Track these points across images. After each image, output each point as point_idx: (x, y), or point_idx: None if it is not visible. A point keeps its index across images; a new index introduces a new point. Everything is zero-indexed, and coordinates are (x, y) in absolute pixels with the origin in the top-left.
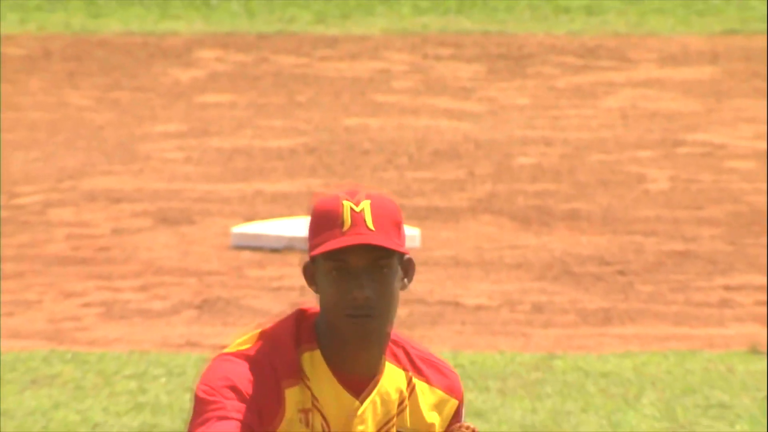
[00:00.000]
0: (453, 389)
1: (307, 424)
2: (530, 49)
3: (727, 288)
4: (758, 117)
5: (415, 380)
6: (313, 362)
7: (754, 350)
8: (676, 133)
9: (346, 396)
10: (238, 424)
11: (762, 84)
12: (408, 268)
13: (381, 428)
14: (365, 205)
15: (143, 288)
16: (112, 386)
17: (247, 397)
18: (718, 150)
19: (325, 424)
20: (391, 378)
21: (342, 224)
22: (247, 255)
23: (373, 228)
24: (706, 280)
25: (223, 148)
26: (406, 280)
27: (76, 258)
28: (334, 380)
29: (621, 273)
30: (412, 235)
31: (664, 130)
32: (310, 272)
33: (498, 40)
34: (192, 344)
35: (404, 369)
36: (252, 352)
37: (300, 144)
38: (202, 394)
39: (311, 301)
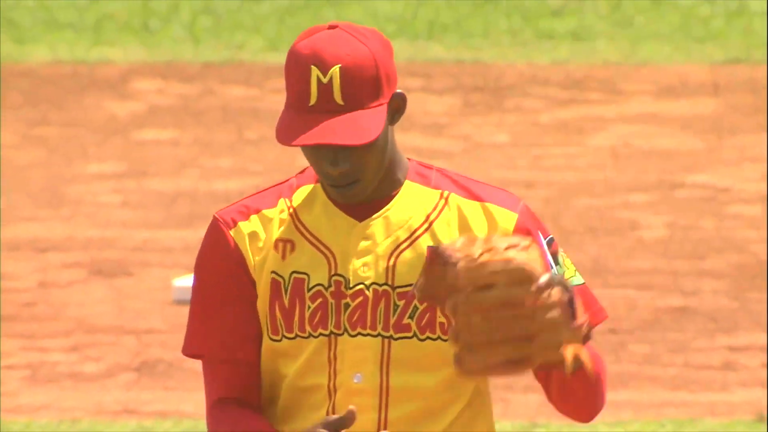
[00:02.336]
0: (506, 201)
1: (283, 256)
2: (509, 80)
3: (730, 348)
4: (765, 156)
5: (450, 195)
6: (308, 195)
7: (760, 418)
8: (674, 175)
9: (343, 218)
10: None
11: None
12: (398, 104)
13: (400, 245)
14: (334, 73)
15: (74, 348)
16: None
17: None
18: (721, 193)
19: (317, 248)
20: (413, 195)
21: (308, 98)
22: None
23: (342, 102)
24: (707, 339)
25: (165, 190)
26: (397, 116)
27: None
28: (331, 206)
29: (612, 331)
30: None
31: (660, 171)
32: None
33: (473, 70)
34: (129, 411)
35: (436, 188)
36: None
37: (251, 186)
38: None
39: None
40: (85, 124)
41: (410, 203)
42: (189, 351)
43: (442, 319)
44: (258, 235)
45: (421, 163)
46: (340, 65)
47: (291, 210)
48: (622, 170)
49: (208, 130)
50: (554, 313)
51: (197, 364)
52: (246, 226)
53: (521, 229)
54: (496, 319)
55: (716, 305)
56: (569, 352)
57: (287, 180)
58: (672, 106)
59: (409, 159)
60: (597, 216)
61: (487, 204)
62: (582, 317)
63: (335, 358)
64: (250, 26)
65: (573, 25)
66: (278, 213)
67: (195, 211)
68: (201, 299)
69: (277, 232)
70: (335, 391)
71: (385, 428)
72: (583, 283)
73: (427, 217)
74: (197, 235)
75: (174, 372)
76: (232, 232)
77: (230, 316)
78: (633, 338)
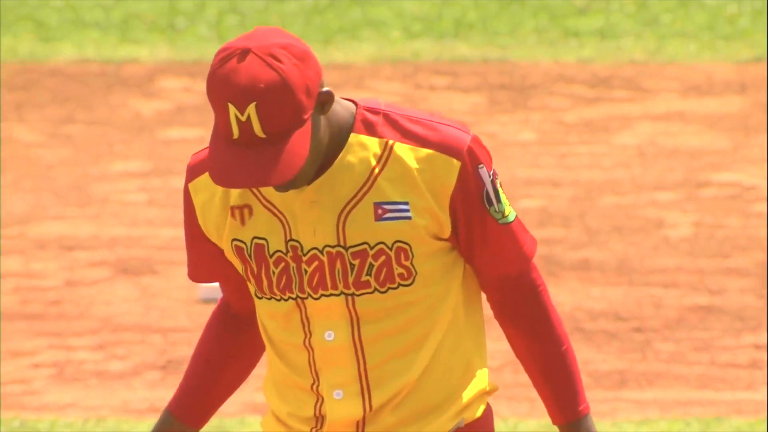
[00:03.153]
0: (448, 145)
1: (242, 222)
2: (535, 79)
3: (757, 347)
4: None
5: (395, 144)
6: None
7: None
8: (700, 173)
9: None
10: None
11: None
12: (323, 100)
13: (347, 205)
14: (251, 112)
15: (100, 346)
16: None
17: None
18: (748, 192)
19: (272, 212)
20: (358, 149)
21: (231, 133)
22: None
23: (264, 135)
24: (733, 337)
25: None
26: (326, 107)
27: (24, 313)
28: None
29: (638, 330)
30: None
31: (686, 170)
32: None
33: (499, 69)
34: (155, 410)
35: (380, 136)
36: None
37: None
38: None
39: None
40: (111, 122)
41: (355, 157)
42: (192, 278)
43: (401, 270)
44: (208, 194)
45: (369, 108)
46: (255, 102)
47: None
48: (648, 169)
49: None
50: None
51: None
52: (200, 184)
53: (464, 176)
54: None
55: (742, 304)
56: None
57: None
58: (698, 104)
59: (356, 104)
60: (623, 215)
61: (432, 152)
62: None
63: (308, 320)
64: (276, 25)
65: (599, 24)
66: None
67: None
68: (186, 235)
69: (232, 196)
70: (312, 349)
71: (366, 379)
72: (515, 219)
73: (371, 171)
74: None
75: None
76: (190, 186)
77: (210, 252)
78: (659, 337)
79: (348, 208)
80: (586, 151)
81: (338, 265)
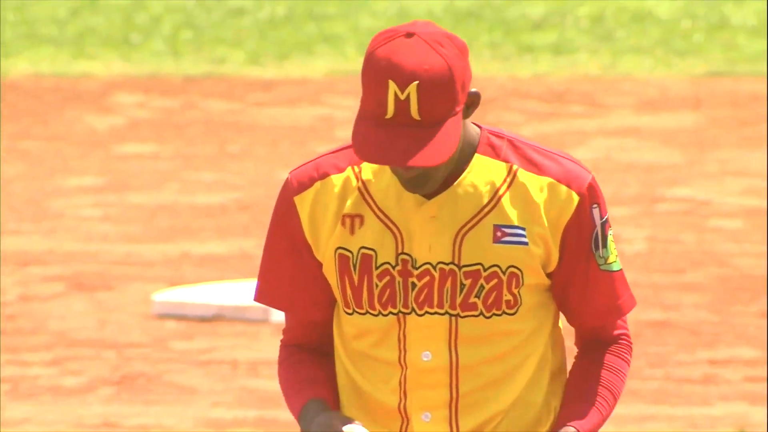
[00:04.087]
0: (571, 178)
1: (351, 231)
2: (491, 93)
3: (712, 362)
4: (746, 169)
5: (518, 170)
6: (378, 167)
7: None
8: (655, 188)
9: (411, 195)
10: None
11: (751, 132)
12: (472, 101)
13: (467, 223)
14: (411, 90)
15: (55, 362)
16: None
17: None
18: (702, 207)
19: (385, 224)
20: (482, 170)
21: (385, 111)
22: (171, 325)
23: (419, 117)
24: (688, 353)
25: (146, 204)
26: (470, 110)
27: None
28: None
29: None
30: None
31: (641, 185)
32: None
33: None
34: (110, 425)
35: (505, 161)
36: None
37: (232, 200)
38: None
39: None
40: (66, 137)
41: (479, 178)
42: (259, 298)
43: (509, 297)
44: (319, 206)
45: (494, 132)
46: (417, 82)
47: (359, 179)
48: (603, 184)
49: (190, 143)
50: None
51: (178, 378)
52: (309, 196)
53: (577, 214)
54: None
55: (697, 319)
56: None
57: None
58: (653, 119)
59: (480, 127)
60: None
61: (553, 182)
62: None
63: (404, 337)
64: (232, 40)
65: (554, 39)
66: (344, 180)
67: (176, 225)
68: (269, 253)
69: (344, 204)
70: (406, 367)
71: (456, 404)
72: (619, 270)
73: (495, 192)
74: (178, 249)
75: (154, 386)
76: (296, 199)
77: (292, 273)
78: None
79: (468, 227)
80: None
81: (448, 283)
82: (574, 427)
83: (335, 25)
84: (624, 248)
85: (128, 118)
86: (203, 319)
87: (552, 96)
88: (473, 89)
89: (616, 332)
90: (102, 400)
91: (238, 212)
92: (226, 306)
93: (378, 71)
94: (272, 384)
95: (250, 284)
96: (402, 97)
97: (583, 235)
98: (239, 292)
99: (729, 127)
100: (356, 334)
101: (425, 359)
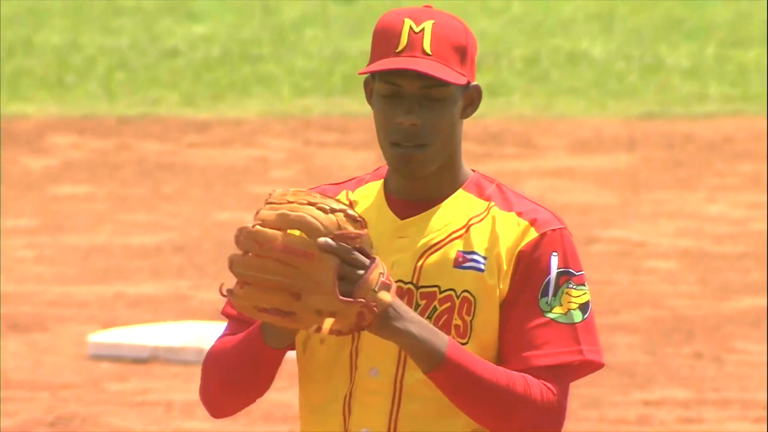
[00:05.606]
0: (537, 218)
1: None
2: None
3: (646, 403)
4: (680, 211)
5: (493, 207)
6: (370, 191)
7: None
8: (589, 229)
9: (387, 215)
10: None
11: (684, 174)
12: (473, 96)
13: (432, 246)
14: (426, 26)
15: None
16: None
17: None
18: (636, 248)
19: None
20: (461, 203)
21: (398, 44)
22: (106, 366)
23: (429, 52)
24: (622, 394)
25: (80, 245)
26: (469, 109)
27: None
28: (384, 202)
29: None
30: None
31: (575, 226)
32: (369, 88)
33: None
34: None
35: (487, 200)
36: None
37: (166, 241)
38: None
39: None
40: (0, 178)
41: (456, 209)
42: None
43: (458, 322)
44: None
45: (486, 177)
46: (434, 21)
47: (348, 199)
48: None
49: (124, 184)
50: (322, 277)
51: (113, 419)
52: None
53: (532, 248)
54: (270, 262)
55: (631, 360)
56: (327, 322)
57: (365, 174)
58: (587, 160)
59: (474, 171)
60: None
61: (525, 223)
62: (361, 295)
63: (356, 353)
64: (166, 81)
65: (489, 80)
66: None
67: (110, 266)
68: None
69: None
70: (353, 382)
71: (395, 426)
72: (575, 324)
73: (467, 222)
74: (112, 290)
75: (89, 427)
76: None
77: None
78: None
79: (433, 250)
80: None
81: (405, 302)
82: (450, 340)
83: (269, 66)
84: None
85: (63, 160)
86: (138, 361)
87: (487, 137)
88: (477, 83)
89: (541, 378)
90: None
91: (173, 253)
92: (161, 347)
93: (394, 16)
94: (207, 425)
95: (185, 325)
96: (416, 30)
97: (534, 278)
98: (174, 333)
99: (663, 169)
100: (312, 341)
101: (372, 375)
